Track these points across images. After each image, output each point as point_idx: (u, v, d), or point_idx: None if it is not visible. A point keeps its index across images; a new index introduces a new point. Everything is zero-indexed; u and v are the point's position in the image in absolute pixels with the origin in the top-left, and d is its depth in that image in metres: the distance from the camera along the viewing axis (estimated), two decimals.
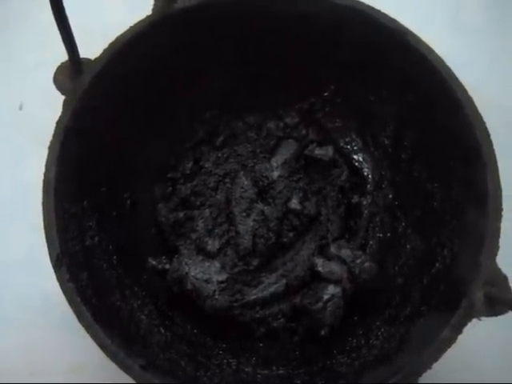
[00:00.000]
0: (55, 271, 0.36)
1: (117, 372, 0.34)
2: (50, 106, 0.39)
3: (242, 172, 0.49)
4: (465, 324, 0.34)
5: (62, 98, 0.39)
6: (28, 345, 0.48)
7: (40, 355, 0.48)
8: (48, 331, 0.49)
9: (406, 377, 0.34)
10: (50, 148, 0.38)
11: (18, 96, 0.57)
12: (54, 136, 0.38)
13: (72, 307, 0.35)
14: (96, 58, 0.40)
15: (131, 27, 0.41)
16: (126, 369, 0.34)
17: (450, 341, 0.34)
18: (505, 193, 0.37)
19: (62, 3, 0.33)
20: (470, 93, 0.39)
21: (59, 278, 0.36)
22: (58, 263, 0.36)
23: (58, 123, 0.38)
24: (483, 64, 0.59)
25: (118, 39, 0.40)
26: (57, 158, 0.37)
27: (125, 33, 0.41)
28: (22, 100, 0.57)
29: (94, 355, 0.36)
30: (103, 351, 0.34)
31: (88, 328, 0.35)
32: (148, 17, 0.41)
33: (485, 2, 0.62)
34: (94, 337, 0.35)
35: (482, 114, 0.38)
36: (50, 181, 0.37)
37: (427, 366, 0.34)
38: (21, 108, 0.57)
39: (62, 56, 0.38)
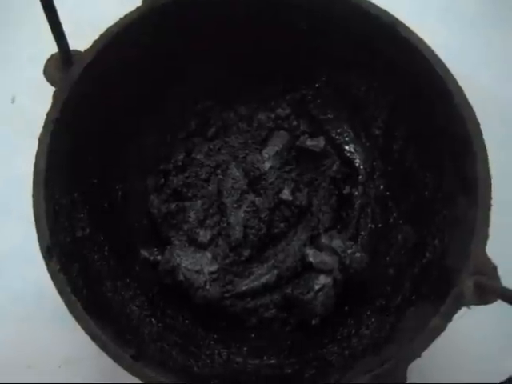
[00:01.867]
0: (46, 262, 0.35)
1: (110, 363, 0.34)
2: (42, 99, 0.39)
3: (233, 163, 0.49)
4: (454, 312, 0.34)
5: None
6: (22, 337, 0.48)
7: (35, 347, 0.48)
8: (42, 323, 0.49)
9: (396, 365, 0.34)
10: (40, 139, 0.38)
11: (10, 89, 0.57)
12: (44, 127, 0.38)
13: (62, 298, 0.35)
14: (86, 50, 0.40)
15: (120, 19, 0.41)
16: (117, 359, 0.34)
17: (440, 329, 0.34)
18: (496, 183, 0.36)
19: None
20: (465, 82, 0.39)
21: (50, 269, 0.35)
22: (48, 254, 0.35)
23: (47, 115, 0.38)
24: (478, 54, 0.59)
25: (107, 31, 0.40)
26: (47, 149, 0.37)
27: (114, 25, 0.41)
28: (15, 93, 0.57)
29: (88, 347, 0.36)
30: (94, 342, 0.34)
31: (79, 319, 0.34)
32: (137, 8, 0.41)
33: None
34: (84, 328, 0.34)
35: (477, 104, 0.38)
36: (40, 172, 0.37)
37: (417, 353, 0.34)
38: (13, 101, 0.57)
39: (55, 49, 0.38)
